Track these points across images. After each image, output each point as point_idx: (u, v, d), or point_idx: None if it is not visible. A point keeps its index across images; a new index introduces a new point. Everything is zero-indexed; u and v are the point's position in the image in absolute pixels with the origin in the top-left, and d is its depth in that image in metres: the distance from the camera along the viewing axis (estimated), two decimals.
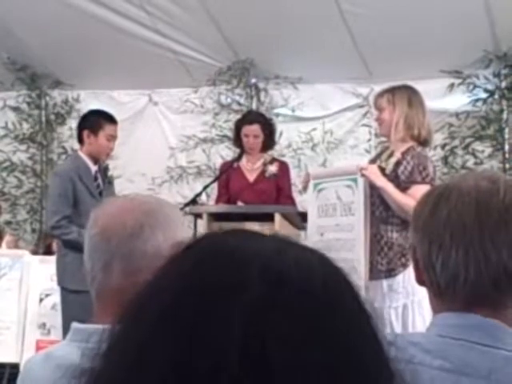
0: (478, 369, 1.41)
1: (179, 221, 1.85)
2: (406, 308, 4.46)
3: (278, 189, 6.21)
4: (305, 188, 5.03)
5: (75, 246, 5.08)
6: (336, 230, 4.70)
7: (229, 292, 0.78)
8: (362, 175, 4.56)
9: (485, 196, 1.50)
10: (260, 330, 0.75)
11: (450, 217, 1.50)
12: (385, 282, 4.52)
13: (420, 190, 4.05)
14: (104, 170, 5.81)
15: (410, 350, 1.42)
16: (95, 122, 5.73)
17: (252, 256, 0.81)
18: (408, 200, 4.29)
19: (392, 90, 4.75)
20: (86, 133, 5.71)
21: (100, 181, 5.73)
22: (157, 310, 0.80)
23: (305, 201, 5.54)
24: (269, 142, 6.31)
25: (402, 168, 4.58)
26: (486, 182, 1.53)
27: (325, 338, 0.77)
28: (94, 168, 5.71)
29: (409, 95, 4.70)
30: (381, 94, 4.81)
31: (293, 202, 6.16)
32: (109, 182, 5.85)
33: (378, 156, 4.94)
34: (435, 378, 1.42)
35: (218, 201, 6.36)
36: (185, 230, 1.86)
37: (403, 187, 4.53)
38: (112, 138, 5.73)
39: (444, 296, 1.51)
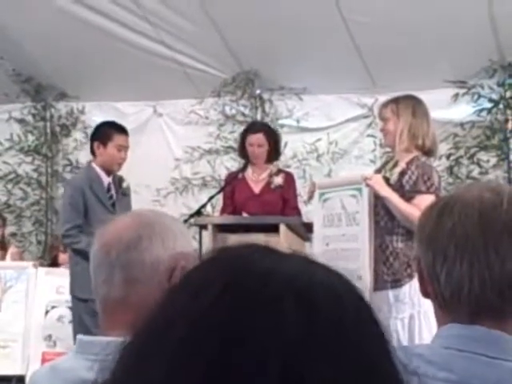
0: (485, 381, 1.41)
1: (178, 231, 1.85)
2: (413, 319, 4.44)
3: (283, 200, 6.19)
4: (310, 198, 5.02)
5: (85, 255, 5.11)
6: (341, 240, 4.69)
7: (265, 330, 0.73)
8: (367, 185, 4.56)
9: (488, 207, 1.50)
10: (299, 374, 0.72)
11: (454, 228, 1.50)
12: (391, 293, 4.50)
13: (425, 200, 4.06)
14: (118, 182, 5.84)
15: (415, 362, 1.42)
16: (104, 132, 5.80)
17: (285, 284, 0.77)
18: (413, 210, 4.28)
19: (396, 101, 4.75)
20: (96, 144, 5.79)
21: (113, 192, 5.77)
22: (177, 347, 0.75)
23: (310, 212, 5.53)
24: (274, 152, 6.30)
25: (406, 178, 4.58)
26: (489, 194, 1.52)
27: (361, 376, 0.75)
28: (107, 180, 5.76)
29: (413, 105, 4.70)
30: (385, 105, 4.81)
31: (298, 213, 6.14)
32: (123, 193, 5.87)
33: (383, 166, 4.94)
34: None
35: (223, 212, 6.35)
36: (185, 239, 1.86)
37: (408, 197, 4.52)
38: (122, 148, 5.78)
39: (449, 307, 1.51)
